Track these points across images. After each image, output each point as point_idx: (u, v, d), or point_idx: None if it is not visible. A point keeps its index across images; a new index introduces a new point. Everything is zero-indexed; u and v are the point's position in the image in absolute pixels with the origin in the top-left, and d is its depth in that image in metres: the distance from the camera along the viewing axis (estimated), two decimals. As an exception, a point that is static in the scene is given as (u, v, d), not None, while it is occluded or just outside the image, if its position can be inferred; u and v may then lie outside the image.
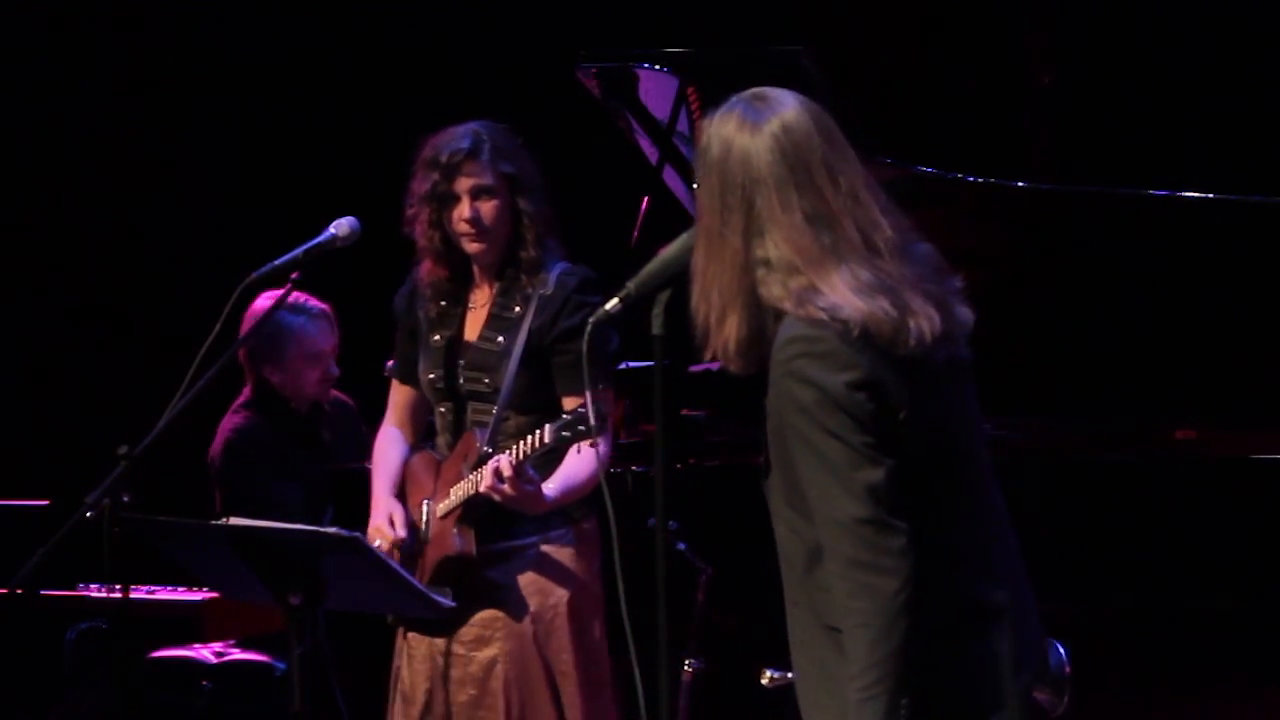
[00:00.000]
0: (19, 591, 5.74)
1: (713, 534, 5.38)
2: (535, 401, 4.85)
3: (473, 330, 4.94)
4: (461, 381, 4.91)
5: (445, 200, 4.87)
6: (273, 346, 6.12)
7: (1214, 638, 5.63)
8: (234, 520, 4.76)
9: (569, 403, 4.82)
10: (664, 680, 3.58)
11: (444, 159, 4.85)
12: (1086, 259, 5.99)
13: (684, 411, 6.11)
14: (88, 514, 4.47)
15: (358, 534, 4.82)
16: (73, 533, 4.50)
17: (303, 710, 4.68)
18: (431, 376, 4.96)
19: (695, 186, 3.57)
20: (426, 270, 4.98)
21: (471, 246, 4.90)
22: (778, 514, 3.58)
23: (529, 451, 4.66)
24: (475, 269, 4.97)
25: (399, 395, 5.12)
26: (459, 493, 4.82)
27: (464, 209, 4.86)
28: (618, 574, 3.66)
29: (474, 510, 4.80)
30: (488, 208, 4.86)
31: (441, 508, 4.88)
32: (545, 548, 4.87)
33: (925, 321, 3.45)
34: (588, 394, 4.19)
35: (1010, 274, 5.84)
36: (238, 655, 6.23)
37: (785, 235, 3.45)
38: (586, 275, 4.92)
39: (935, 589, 3.43)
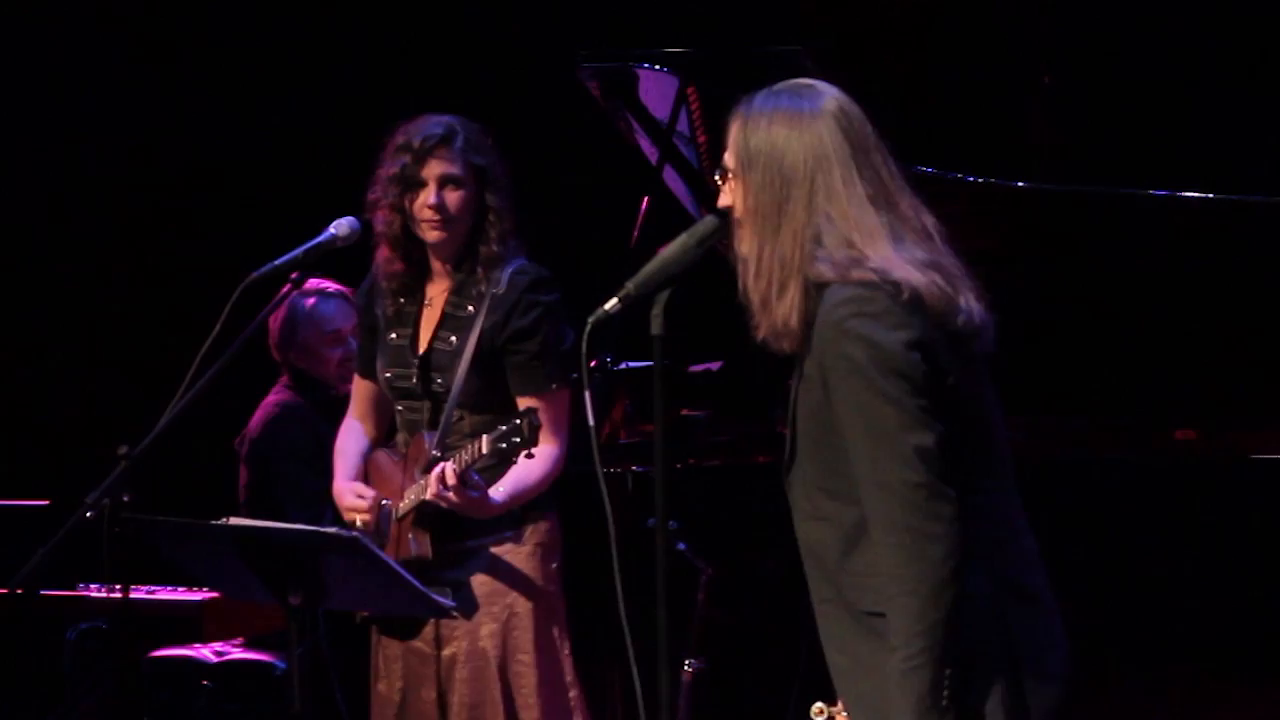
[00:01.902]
0: (19, 591, 5.74)
1: (713, 534, 5.38)
2: (489, 402, 4.84)
3: (428, 329, 4.91)
4: (415, 381, 4.90)
5: (411, 184, 4.83)
6: (291, 332, 6.23)
7: (1214, 638, 5.63)
8: (234, 520, 4.77)
9: (522, 403, 4.80)
10: (664, 680, 3.58)
11: (416, 143, 4.82)
12: (1086, 259, 5.99)
13: (684, 411, 6.11)
14: (88, 514, 4.47)
15: (358, 534, 4.82)
16: (73, 533, 4.50)
17: (303, 710, 4.68)
18: (389, 375, 4.95)
19: (726, 174, 3.56)
20: (383, 259, 4.93)
21: (431, 235, 4.86)
22: (804, 508, 3.57)
23: (470, 460, 4.67)
24: (433, 262, 4.93)
25: (360, 389, 5.11)
26: (411, 496, 4.83)
27: (429, 195, 4.82)
28: (617, 574, 3.65)
29: (428, 513, 4.80)
30: (454, 197, 4.83)
31: (398, 510, 4.89)
32: (497, 549, 4.85)
33: (973, 304, 3.50)
34: (586, 394, 4.17)
35: (1010, 274, 5.84)
36: (238, 655, 6.24)
37: (844, 212, 3.48)
38: (539, 275, 4.88)
39: (979, 565, 3.44)
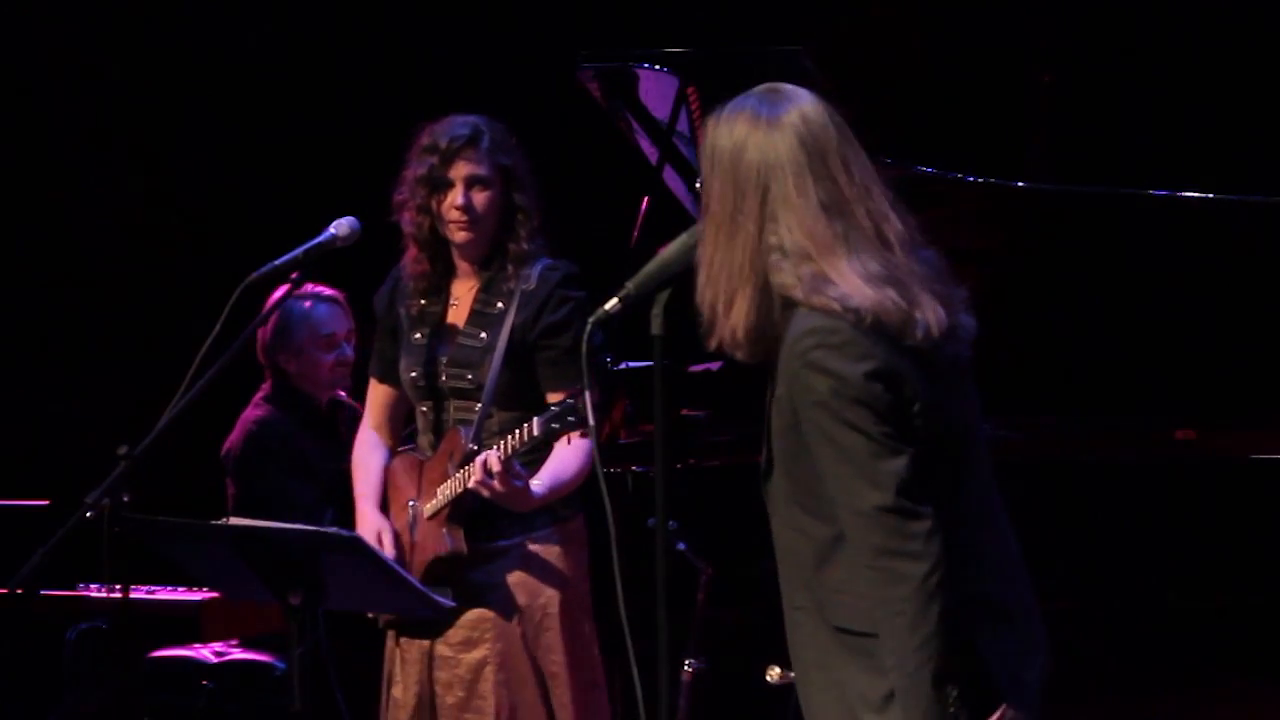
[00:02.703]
0: (19, 591, 5.74)
1: (713, 534, 5.38)
2: (519, 398, 4.84)
3: (455, 327, 4.92)
4: (444, 379, 4.89)
5: (439, 185, 4.85)
6: (284, 333, 6.15)
7: (1214, 638, 5.63)
8: (234, 520, 4.77)
9: (553, 399, 4.80)
10: (664, 680, 3.58)
11: (443, 145, 4.83)
12: (1086, 259, 5.99)
13: (684, 411, 6.11)
14: (88, 514, 4.47)
15: (358, 534, 4.82)
16: (73, 533, 4.50)
17: (303, 710, 4.68)
18: (414, 374, 4.94)
19: (701, 178, 3.57)
20: (411, 259, 4.95)
21: (459, 235, 4.87)
22: (780, 517, 3.57)
23: (517, 445, 4.65)
24: (458, 261, 4.94)
25: (377, 395, 5.10)
26: (446, 492, 4.80)
27: (457, 196, 4.84)
28: (617, 574, 3.65)
29: (462, 509, 4.79)
30: (481, 198, 4.85)
31: (429, 508, 4.86)
32: (531, 546, 4.84)
33: (932, 315, 3.47)
34: (586, 394, 4.17)
35: (1010, 274, 5.84)
36: (238, 655, 6.23)
37: (799, 220, 3.46)
38: (569, 270, 4.90)
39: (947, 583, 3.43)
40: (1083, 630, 5.59)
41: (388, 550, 4.87)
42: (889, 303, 3.43)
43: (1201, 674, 5.70)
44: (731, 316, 3.49)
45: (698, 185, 3.60)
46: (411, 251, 4.94)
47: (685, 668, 5.23)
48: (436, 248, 4.91)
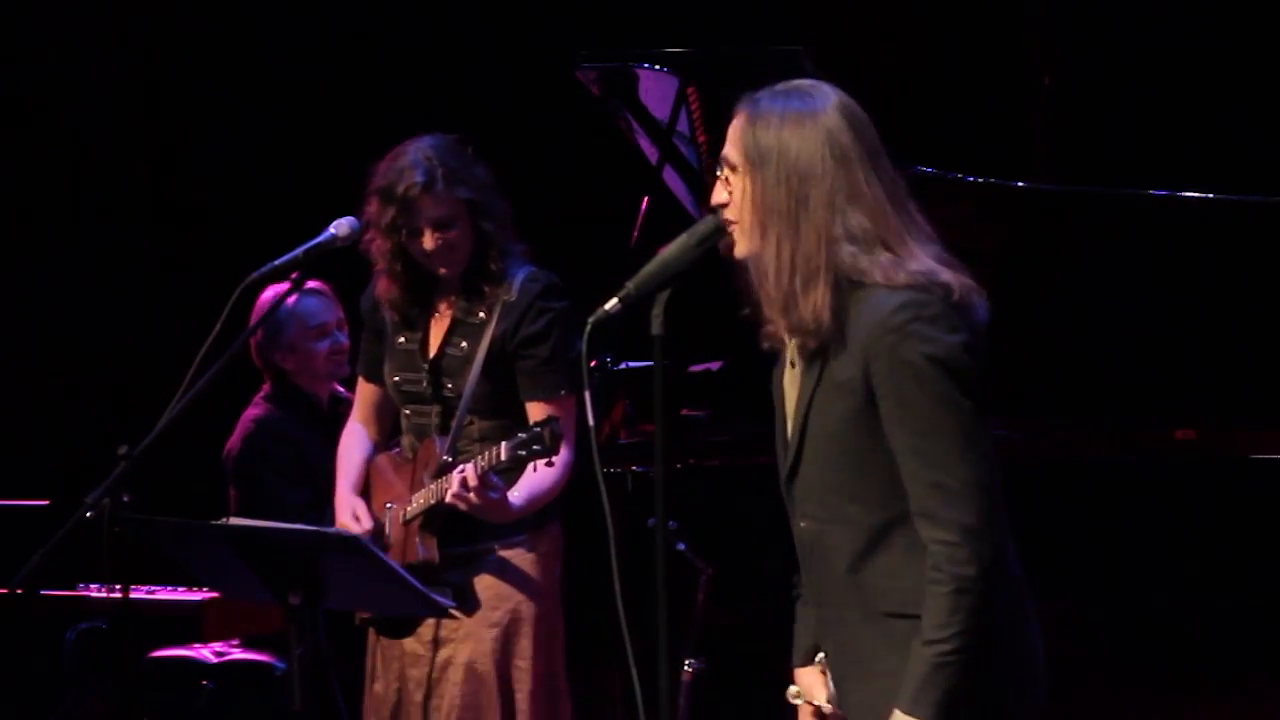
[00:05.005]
0: (19, 591, 5.74)
1: (713, 534, 5.38)
2: (499, 407, 4.87)
3: (437, 335, 4.94)
4: (425, 385, 4.92)
5: (407, 233, 4.84)
6: (275, 331, 6.12)
7: (1214, 638, 5.63)
8: (234, 520, 4.76)
9: (532, 408, 4.84)
10: (664, 680, 3.58)
11: (400, 192, 4.80)
12: (1086, 259, 5.99)
13: (684, 411, 6.11)
14: (88, 514, 4.47)
15: (358, 534, 4.83)
16: (73, 533, 4.50)
17: (303, 710, 4.68)
18: (396, 379, 4.97)
19: (735, 168, 3.54)
20: (383, 288, 4.96)
21: (441, 271, 4.89)
22: (815, 513, 3.55)
23: (487, 466, 4.68)
24: (439, 280, 4.96)
25: (364, 392, 5.13)
26: (421, 500, 4.85)
27: (428, 241, 4.83)
28: (617, 574, 3.65)
29: (436, 517, 4.83)
30: (451, 235, 4.85)
31: (405, 514, 4.90)
32: (504, 553, 4.88)
33: (985, 304, 3.52)
34: (586, 394, 4.17)
35: (1010, 274, 5.84)
36: (238, 655, 6.23)
37: (867, 209, 3.49)
38: (550, 281, 4.91)
39: (1006, 569, 3.46)
40: (1083, 630, 5.59)
41: (365, 524, 4.91)
42: (964, 285, 3.49)
43: (1202, 674, 5.70)
44: (813, 300, 3.48)
45: (720, 174, 3.57)
46: (383, 282, 4.95)
47: (685, 668, 5.23)
48: (413, 274, 4.91)
